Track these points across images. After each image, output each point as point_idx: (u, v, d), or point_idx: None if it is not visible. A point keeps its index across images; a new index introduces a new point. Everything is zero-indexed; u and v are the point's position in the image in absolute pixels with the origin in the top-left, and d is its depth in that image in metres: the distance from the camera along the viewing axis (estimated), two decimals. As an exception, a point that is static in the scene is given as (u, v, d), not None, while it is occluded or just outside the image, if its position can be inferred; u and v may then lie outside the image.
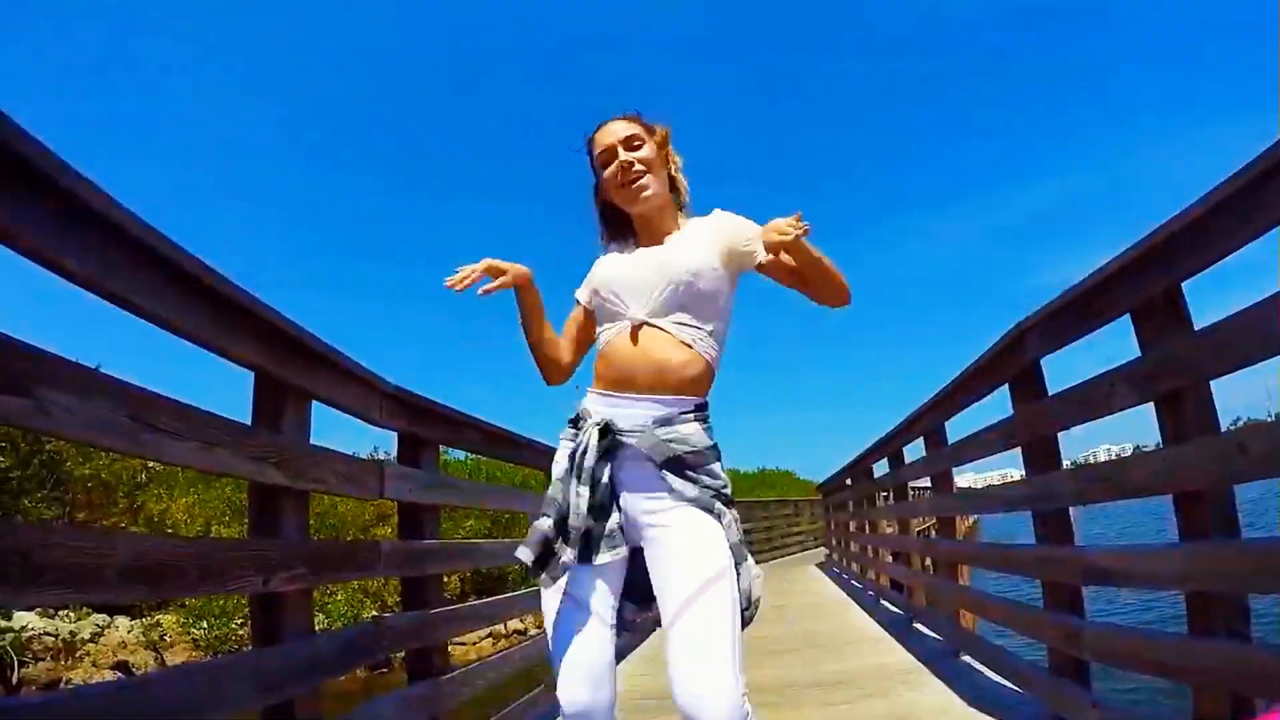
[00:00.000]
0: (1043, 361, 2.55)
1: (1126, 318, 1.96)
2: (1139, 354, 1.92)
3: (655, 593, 1.47)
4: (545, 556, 1.46)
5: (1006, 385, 2.85)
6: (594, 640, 1.46)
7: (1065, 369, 2.53)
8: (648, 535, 1.49)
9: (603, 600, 1.49)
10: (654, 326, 1.53)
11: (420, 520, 2.70)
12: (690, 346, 1.53)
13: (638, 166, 1.59)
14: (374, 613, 10.72)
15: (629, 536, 1.52)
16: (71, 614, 9.43)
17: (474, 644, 11.18)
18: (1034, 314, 2.44)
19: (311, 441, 2.01)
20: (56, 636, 8.89)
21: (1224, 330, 1.59)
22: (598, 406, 1.55)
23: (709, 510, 1.48)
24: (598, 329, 1.64)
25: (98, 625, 9.44)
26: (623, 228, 1.72)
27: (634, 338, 1.53)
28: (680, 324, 1.53)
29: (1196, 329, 1.74)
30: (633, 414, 1.50)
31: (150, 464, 11.62)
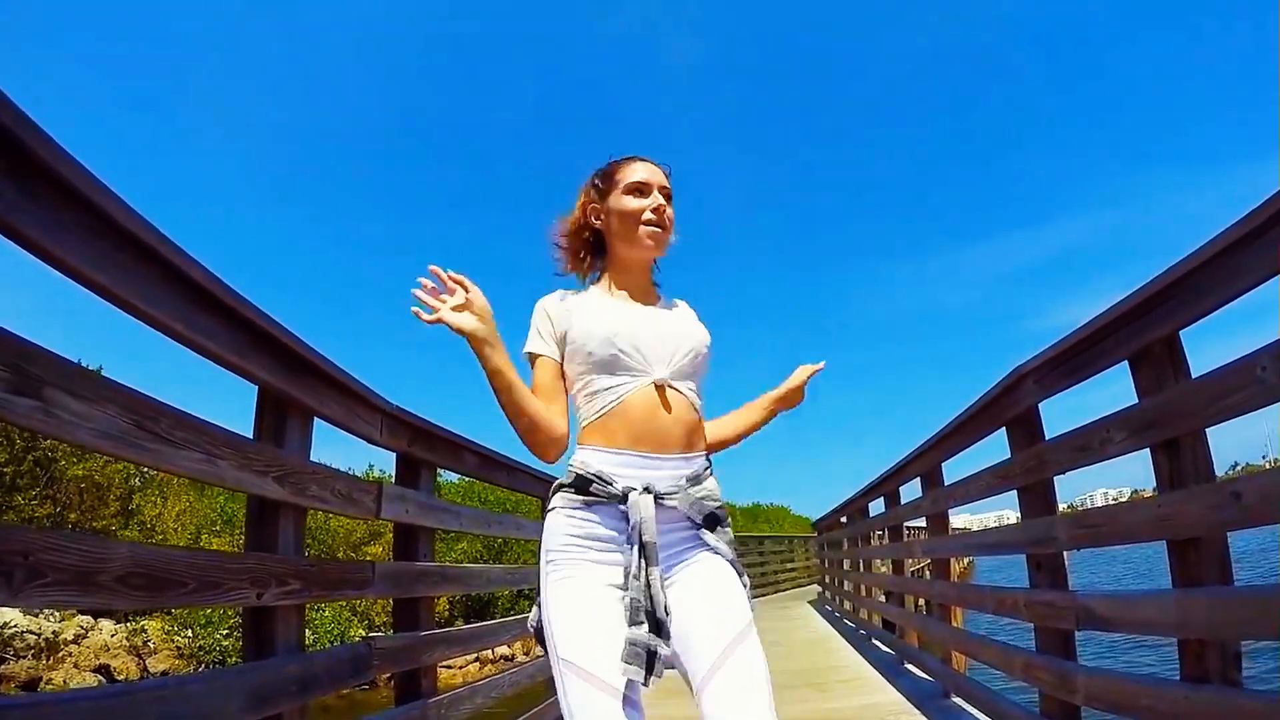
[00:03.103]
0: (1041, 405, 2.56)
1: (1125, 364, 1.98)
2: (1136, 400, 1.93)
3: (683, 635, 1.34)
4: (649, 664, 1.27)
5: (1004, 428, 2.86)
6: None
7: (1065, 410, 2.54)
8: (675, 577, 1.41)
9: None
10: (675, 389, 1.47)
11: (415, 542, 2.69)
12: (697, 411, 1.52)
13: (668, 219, 1.56)
14: (361, 631, 10.63)
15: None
16: (56, 614, 9.36)
17: (460, 668, 11.08)
18: (1033, 359, 2.46)
19: (311, 459, 2.02)
20: (39, 635, 8.81)
21: (1221, 378, 1.61)
22: (624, 469, 1.41)
23: (733, 565, 1.45)
24: (589, 382, 1.47)
25: (81, 627, 9.37)
26: (586, 260, 1.64)
27: (661, 399, 1.45)
28: (692, 389, 1.51)
29: (1194, 376, 1.76)
30: (666, 475, 1.42)
31: (144, 468, 11.61)
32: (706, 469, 1.51)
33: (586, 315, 1.49)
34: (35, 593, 1.12)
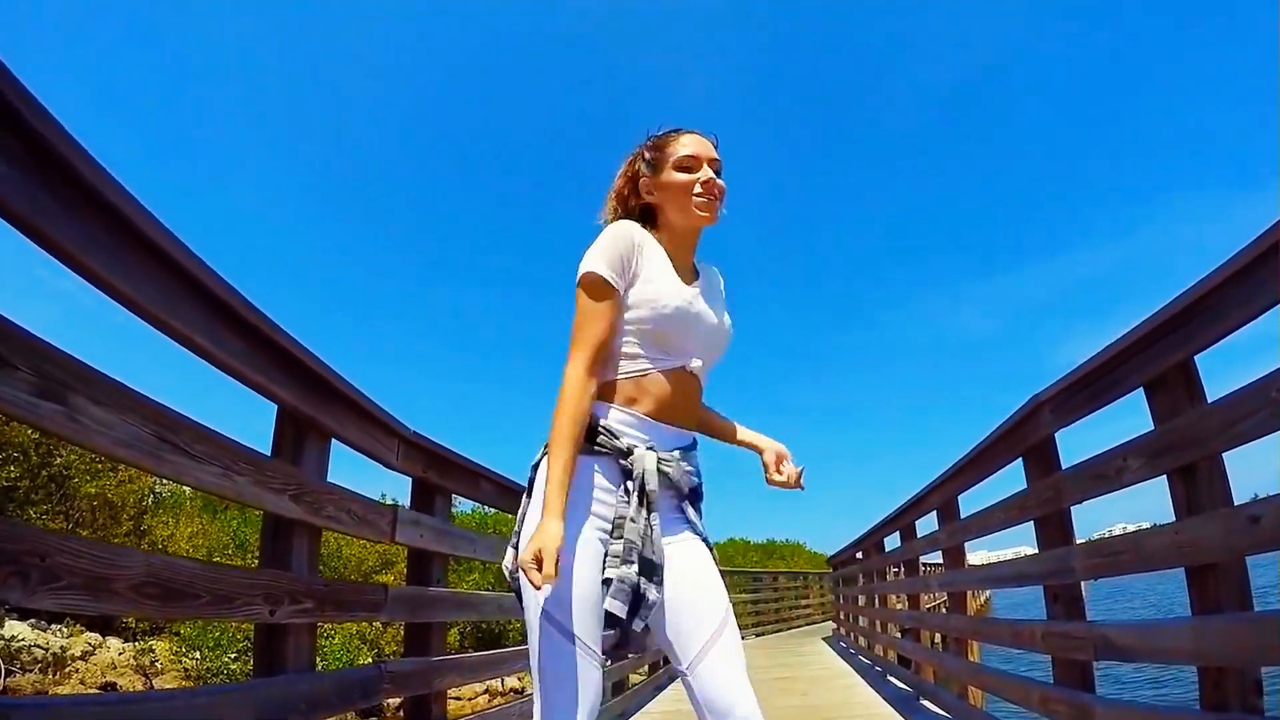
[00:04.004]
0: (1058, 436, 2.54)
1: (1140, 391, 1.96)
2: (1151, 427, 1.92)
3: (673, 612, 1.42)
4: (635, 604, 1.35)
5: (1020, 459, 2.84)
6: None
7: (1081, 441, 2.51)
8: (667, 554, 1.44)
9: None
10: (697, 376, 1.54)
11: (429, 567, 2.70)
12: (702, 393, 1.60)
13: (718, 190, 1.57)
14: (370, 660, 10.56)
15: None
16: (64, 629, 9.33)
17: (470, 699, 10.96)
18: (1049, 388, 2.45)
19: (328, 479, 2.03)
20: (46, 650, 8.77)
21: (1236, 402, 1.60)
22: (627, 428, 1.45)
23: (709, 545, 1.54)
24: (631, 343, 1.48)
25: (89, 644, 9.32)
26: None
27: (685, 381, 1.51)
28: (706, 375, 1.59)
29: (1210, 401, 1.74)
30: (666, 439, 1.48)
31: (156, 489, 11.59)
32: (695, 444, 1.58)
33: (662, 276, 1.50)
34: (49, 595, 1.14)
